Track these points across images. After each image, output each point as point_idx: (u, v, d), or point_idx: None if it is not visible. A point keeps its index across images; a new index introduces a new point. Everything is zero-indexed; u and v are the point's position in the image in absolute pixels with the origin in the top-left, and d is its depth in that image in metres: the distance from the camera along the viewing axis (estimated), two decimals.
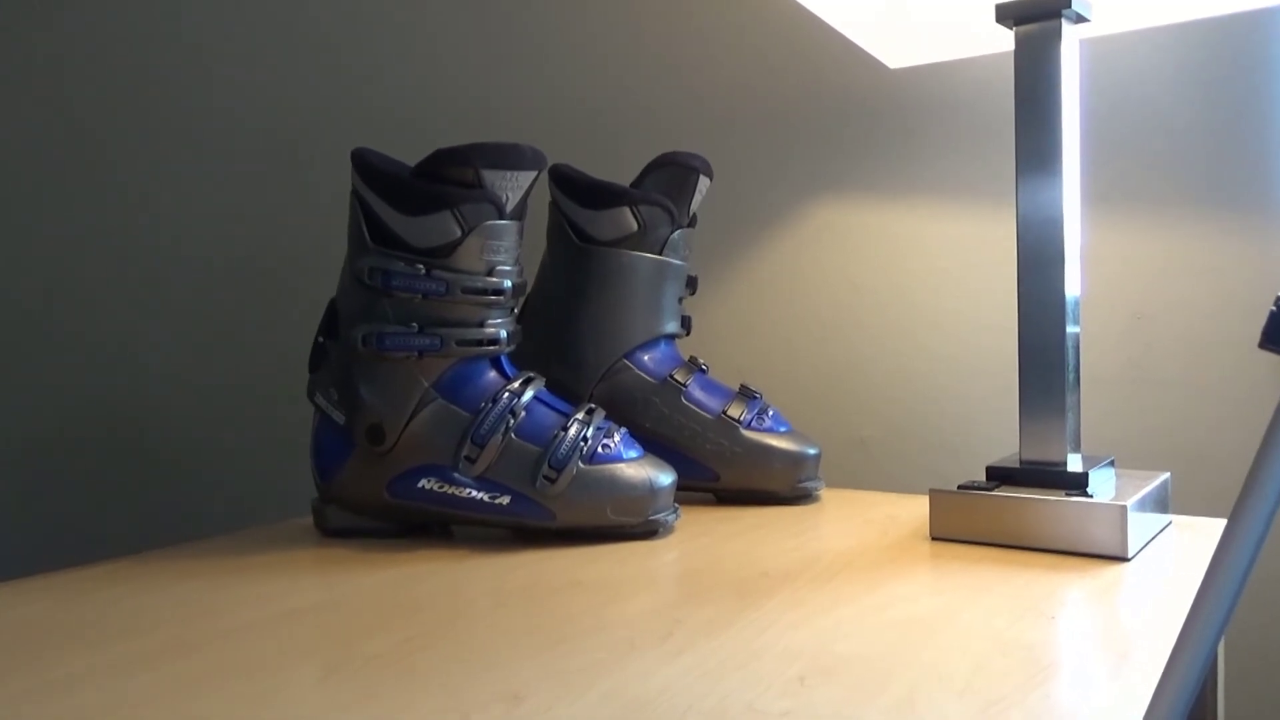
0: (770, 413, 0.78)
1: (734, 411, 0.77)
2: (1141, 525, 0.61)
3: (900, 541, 0.64)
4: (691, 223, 0.81)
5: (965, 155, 0.91)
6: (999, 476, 0.66)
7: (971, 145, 0.91)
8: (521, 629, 0.47)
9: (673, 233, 0.78)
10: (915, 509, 0.74)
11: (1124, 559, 0.58)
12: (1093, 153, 0.84)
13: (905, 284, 0.93)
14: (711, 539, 0.66)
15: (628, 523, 0.64)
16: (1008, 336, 0.90)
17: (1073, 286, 0.66)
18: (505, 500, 0.63)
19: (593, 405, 0.68)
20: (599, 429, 0.66)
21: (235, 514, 1.17)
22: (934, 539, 0.64)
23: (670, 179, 0.78)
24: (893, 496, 0.81)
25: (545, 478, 0.63)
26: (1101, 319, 0.85)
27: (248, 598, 0.53)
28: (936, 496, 0.64)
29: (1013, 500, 0.62)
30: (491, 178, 0.63)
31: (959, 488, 0.64)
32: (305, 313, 1.12)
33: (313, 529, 0.68)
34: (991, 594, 0.52)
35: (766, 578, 0.56)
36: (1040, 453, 0.65)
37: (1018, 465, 0.66)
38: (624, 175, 0.84)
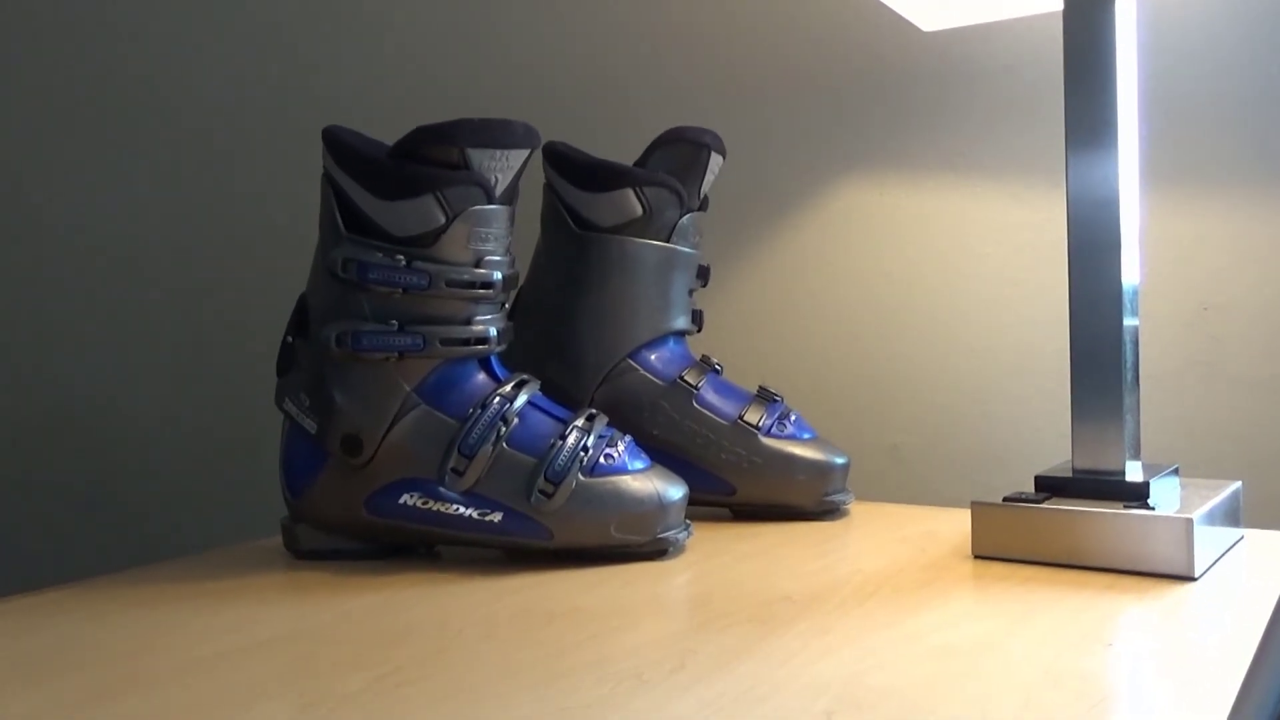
0: (792, 418, 0.78)
1: (752, 417, 0.77)
2: (1209, 540, 0.61)
3: (939, 561, 0.64)
4: (703, 206, 0.81)
5: (1009, 128, 0.91)
6: (1049, 487, 0.65)
7: (1016, 117, 0.90)
8: (515, 662, 0.47)
9: (681, 217, 0.78)
10: (955, 524, 0.74)
11: (1190, 578, 0.58)
12: (1153, 124, 0.84)
13: (943, 273, 0.93)
14: (727, 559, 0.66)
15: (634, 541, 0.64)
16: (1058, 331, 0.89)
17: (1130, 275, 0.66)
18: (497, 517, 0.63)
19: (594, 410, 0.68)
20: (601, 437, 0.66)
21: (195, 534, 1.17)
22: (976, 557, 0.64)
23: (678, 157, 0.78)
24: (930, 510, 0.81)
25: (541, 492, 0.63)
26: (1163, 311, 0.85)
27: (210, 628, 0.53)
28: (979, 510, 0.64)
29: (1064, 514, 0.62)
30: (479, 157, 0.63)
31: (1004, 500, 0.64)
32: (273, 310, 1.13)
33: (282, 551, 0.68)
34: (1041, 619, 0.52)
35: (789, 602, 0.56)
36: (1095, 460, 0.65)
37: (1070, 475, 0.66)
38: (627, 154, 0.84)
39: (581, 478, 0.63)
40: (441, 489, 0.63)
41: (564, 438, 0.64)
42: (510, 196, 0.67)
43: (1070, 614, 0.53)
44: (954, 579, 0.60)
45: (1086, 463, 0.65)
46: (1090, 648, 0.47)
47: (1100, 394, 0.65)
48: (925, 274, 0.94)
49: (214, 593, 0.60)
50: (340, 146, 0.65)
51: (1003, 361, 0.91)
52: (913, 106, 0.94)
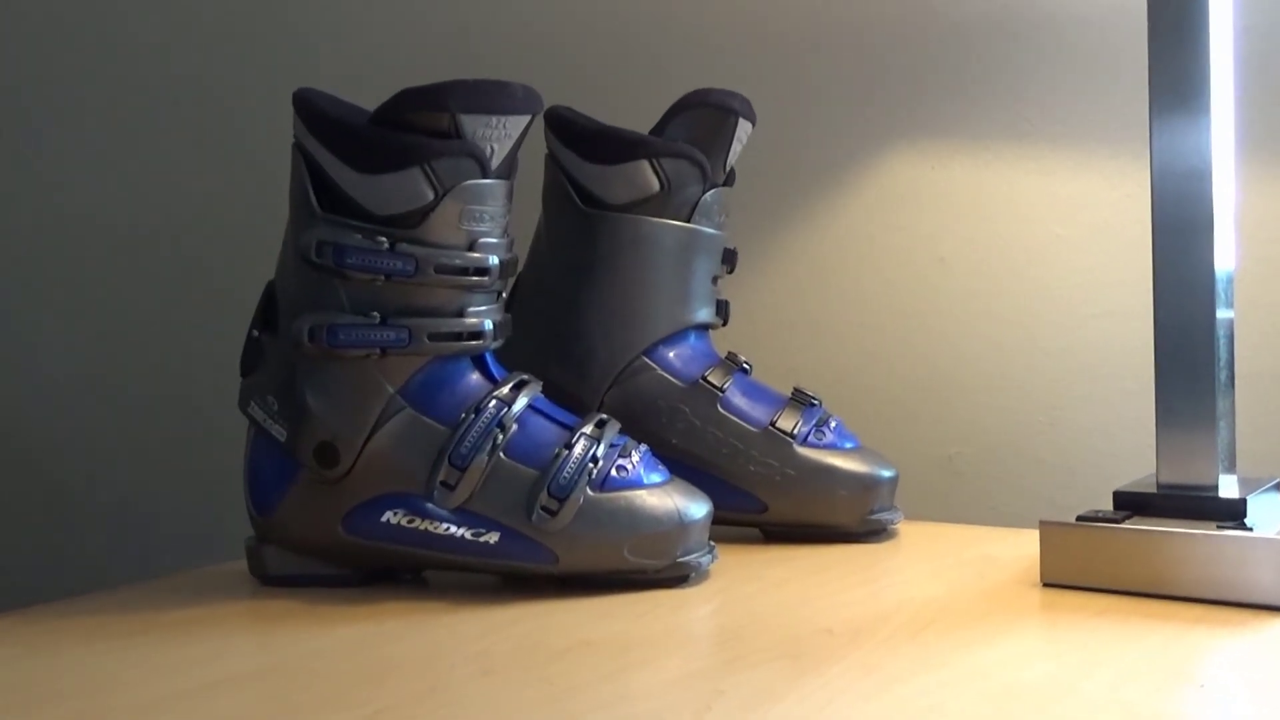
0: (832, 424, 0.78)
1: (786, 423, 0.76)
2: None
3: (1002, 589, 0.64)
4: (729, 180, 0.81)
5: (1083, 90, 0.90)
6: (1130, 505, 0.65)
7: (1091, 77, 0.90)
8: (515, 704, 0.47)
9: (704, 193, 0.78)
10: (1021, 547, 0.73)
11: None
12: (1250, 86, 0.84)
13: (1006, 258, 0.93)
14: (758, 586, 0.66)
15: (650, 566, 0.64)
16: (1141, 325, 0.89)
17: (1224, 259, 0.65)
18: (493, 538, 0.63)
19: (604, 416, 0.68)
20: (612, 446, 0.66)
21: (150, 557, 1.18)
22: (1046, 585, 0.64)
23: (701, 124, 0.78)
24: (991, 531, 0.81)
25: (544, 509, 0.63)
26: (1263, 301, 0.85)
27: (167, 664, 0.53)
28: (1049, 531, 0.64)
29: (1148, 535, 0.61)
30: (472, 125, 0.63)
31: (1078, 519, 0.64)
32: (237, 301, 1.13)
33: (247, 576, 0.68)
34: (1121, 655, 0.52)
35: (830, 636, 0.55)
36: (1183, 474, 0.65)
37: (1154, 490, 0.65)
38: (642, 120, 0.83)
39: (590, 493, 0.63)
40: (430, 505, 0.63)
41: (570, 447, 0.64)
42: (508, 169, 0.66)
43: (1155, 650, 0.53)
44: (1020, 610, 0.60)
45: (1173, 476, 0.65)
46: (1178, 689, 0.47)
47: (1189, 397, 0.65)
48: (985, 259, 0.94)
49: (170, 624, 0.60)
50: (314, 113, 0.65)
51: (1076, 359, 0.91)
52: (974, 68, 0.93)
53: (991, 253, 0.93)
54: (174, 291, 1.22)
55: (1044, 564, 0.64)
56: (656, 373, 0.77)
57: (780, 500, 0.76)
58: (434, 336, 0.64)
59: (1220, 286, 0.65)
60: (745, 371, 0.80)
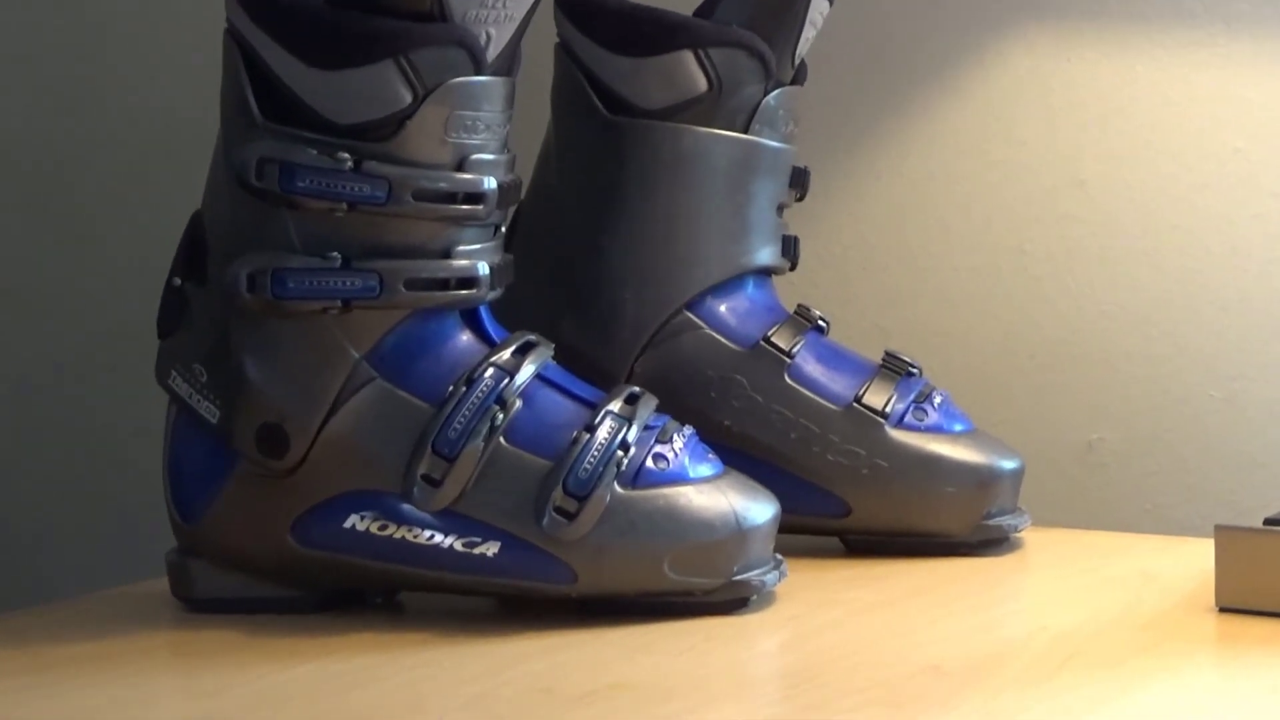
0: (937, 400, 0.78)
1: (875, 399, 0.76)
2: None
3: (1164, 615, 0.64)
4: (798, 77, 0.81)
5: None
6: None
7: None
8: None
9: (767, 95, 0.77)
10: (1188, 560, 0.73)
11: None
12: None
13: (1166, 180, 0.92)
14: (840, 612, 0.66)
15: (699, 586, 0.64)
16: None
17: None
18: (491, 550, 0.63)
19: (635, 389, 0.68)
20: (648, 429, 0.65)
21: (45, 578, 1.18)
22: (1222, 610, 0.64)
23: (762, 2, 0.78)
24: (1148, 540, 0.81)
25: (559, 511, 0.62)
26: None
27: (64, 713, 0.53)
28: (1227, 538, 0.64)
29: None
30: (462, 3, 0.63)
31: (1265, 523, 0.64)
32: (151, 241, 1.12)
33: (169, 600, 0.68)
34: None
35: (938, 675, 0.55)
36: None
37: None
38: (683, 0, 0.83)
39: (619, 490, 0.63)
40: (408, 507, 0.63)
41: (592, 430, 0.64)
42: (508, 64, 0.66)
43: None
44: (1188, 642, 0.60)
45: None
46: None
47: None
48: (1138, 182, 0.93)
49: (69, 662, 0.60)
50: None
51: (1260, 316, 0.91)
52: None
53: (1148, 175, 0.93)
54: (76, 239, 1.22)
55: (1220, 582, 0.64)
56: (704, 332, 0.77)
57: (868, 500, 0.75)
58: (412, 284, 0.64)
59: None
60: (821, 330, 0.80)
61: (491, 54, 0.64)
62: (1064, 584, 0.71)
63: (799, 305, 0.80)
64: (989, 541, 0.77)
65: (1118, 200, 0.94)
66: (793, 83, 0.80)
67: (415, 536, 0.63)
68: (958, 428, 0.77)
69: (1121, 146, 0.93)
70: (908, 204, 0.98)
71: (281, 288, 0.63)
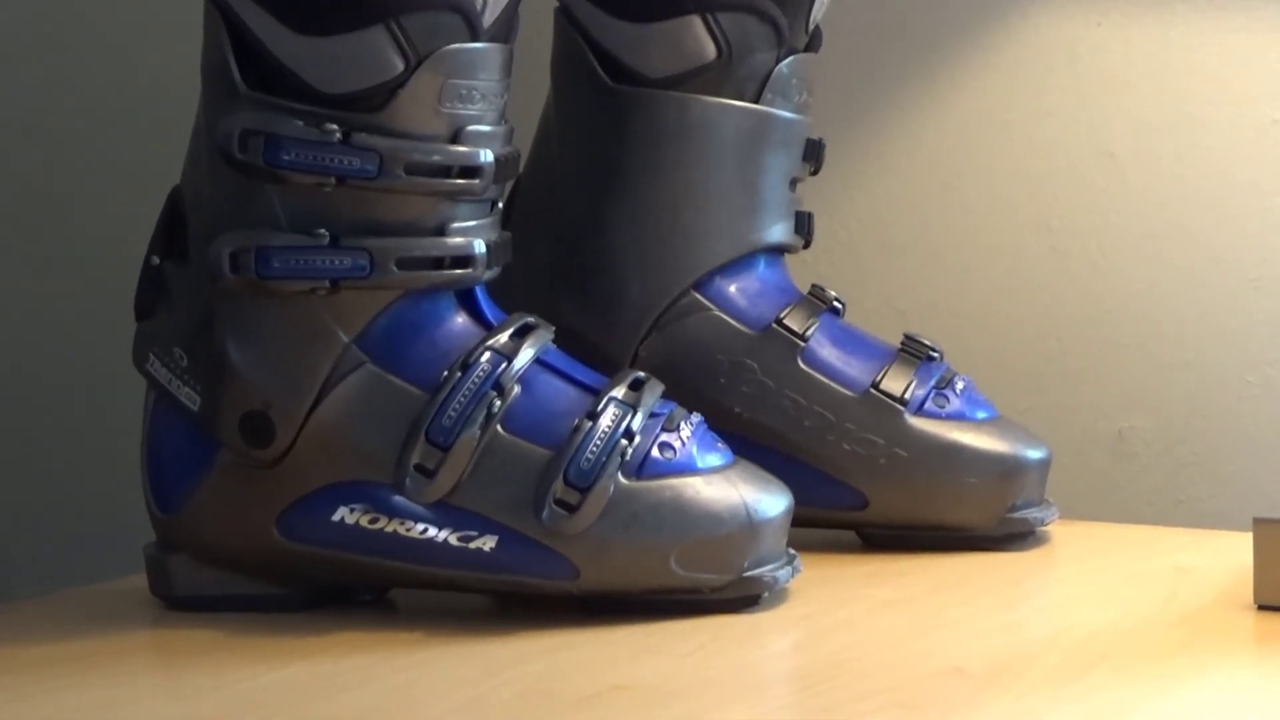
0: (959, 386, 0.78)
1: (894, 384, 0.76)
2: None
3: (1199, 613, 0.64)
4: (812, 44, 0.80)
5: None
6: None
7: None
8: None
9: (779, 62, 0.77)
10: (1224, 555, 0.73)
11: None
12: None
13: (1205, 154, 0.92)
14: (858, 610, 0.66)
15: (707, 583, 0.64)
16: None
17: None
18: (488, 544, 0.63)
19: (640, 374, 0.68)
20: (653, 416, 0.65)
21: (15, 575, 1.18)
22: (1261, 608, 0.64)
23: None
24: (1181, 534, 0.81)
25: (559, 504, 0.62)
26: None
27: (39, 717, 0.53)
28: (1265, 532, 0.64)
29: None
30: None
31: None
32: (127, 218, 1.12)
33: (148, 597, 0.68)
34: None
35: (960, 678, 0.55)
36: None
37: None
38: None
39: (623, 480, 0.63)
40: (399, 499, 0.63)
41: (594, 417, 0.64)
42: (506, 29, 0.66)
43: None
44: (1225, 641, 0.60)
45: None
46: None
47: None
48: (1171, 154, 0.93)
49: (44, 662, 0.60)
50: None
51: None
52: None
53: (1181, 147, 0.93)
54: (47, 217, 1.22)
55: (1258, 578, 0.64)
56: (713, 314, 0.77)
57: (886, 492, 0.75)
58: (404, 263, 0.64)
59: None
60: (836, 312, 0.80)
61: (488, 19, 0.64)
62: (1093, 580, 0.71)
63: (813, 286, 0.80)
64: (1014, 535, 0.76)
65: (1149, 173, 0.94)
66: (807, 49, 0.79)
67: (407, 530, 0.63)
68: (981, 415, 0.77)
69: (1153, 117, 0.93)
70: (927, 179, 0.98)
71: (266, 267, 0.63)
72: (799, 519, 0.69)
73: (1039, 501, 0.77)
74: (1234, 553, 0.71)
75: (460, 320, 0.66)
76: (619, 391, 0.65)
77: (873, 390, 0.76)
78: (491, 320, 0.66)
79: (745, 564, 0.64)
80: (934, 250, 0.98)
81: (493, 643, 0.61)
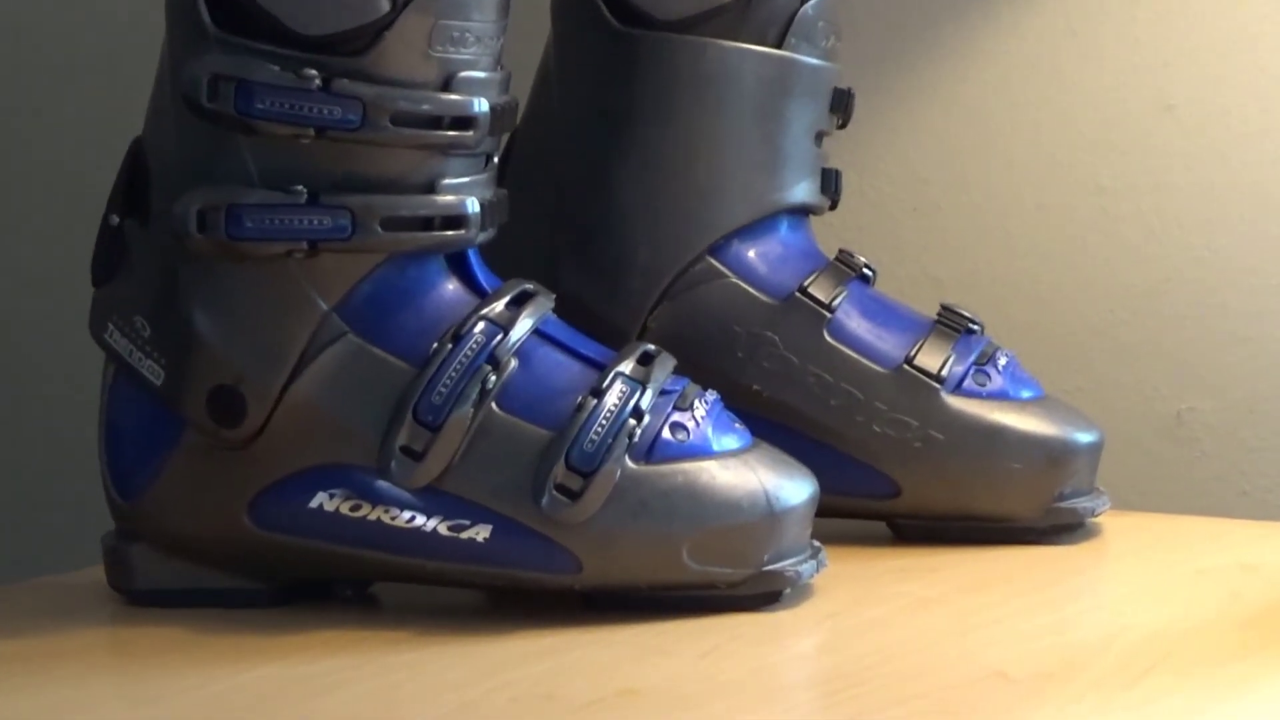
0: (1001, 362, 0.78)
1: (929, 359, 0.76)
2: None
3: (1266, 613, 0.64)
4: None
5: None
6: None
7: None
8: None
9: (804, 3, 0.77)
10: None
11: None
12: None
13: (1276, 109, 0.92)
14: (889, 609, 0.66)
15: (723, 578, 0.64)
16: None
17: None
18: (481, 534, 0.63)
19: (649, 347, 0.68)
20: (664, 394, 0.65)
21: None
22: None
23: None
24: (1246, 526, 0.81)
25: (561, 490, 0.62)
26: None
27: None
28: None
29: None
30: None
31: None
32: (85, 174, 1.12)
33: (107, 592, 0.68)
34: None
35: (1003, 683, 0.55)
36: None
37: None
38: None
39: (631, 465, 0.63)
40: (383, 484, 0.63)
41: (599, 394, 0.64)
42: None
43: None
44: None
45: None
46: None
47: None
48: (1235, 107, 0.93)
49: None
50: None
51: None
52: None
53: (1246, 99, 0.93)
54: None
55: None
56: (729, 281, 0.77)
57: (921, 479, 0.76)
58: (389, 223, 0.63)
59: None
60: (866, 280, 0.80)
61: None
62: (1149, 577, 0.71)
63: (840, 250, 0.80)
64: (1061, 527, 0.77)
65: (1211, 128, 0.94)
66: None
67: (392, 518, 0.63)
68: (1025, 394, 0.77)
69: (1216, 66, 0.93)
70: (967, 133, 0.99)
71: (237, 227, 0.63)
72: (824, 508, 0.69)
73: (1089, 490, 0.77)
74: None
75: (451, 287, 0.66)
76: (626, 366, 0.65)
77: (906, 366, 0.76)
78: (486, 287, 0.66)
79: (765, 557, 0.64)
80: (974, 212, 0.98)
81: (486, 643, 0.61)
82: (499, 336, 0.64)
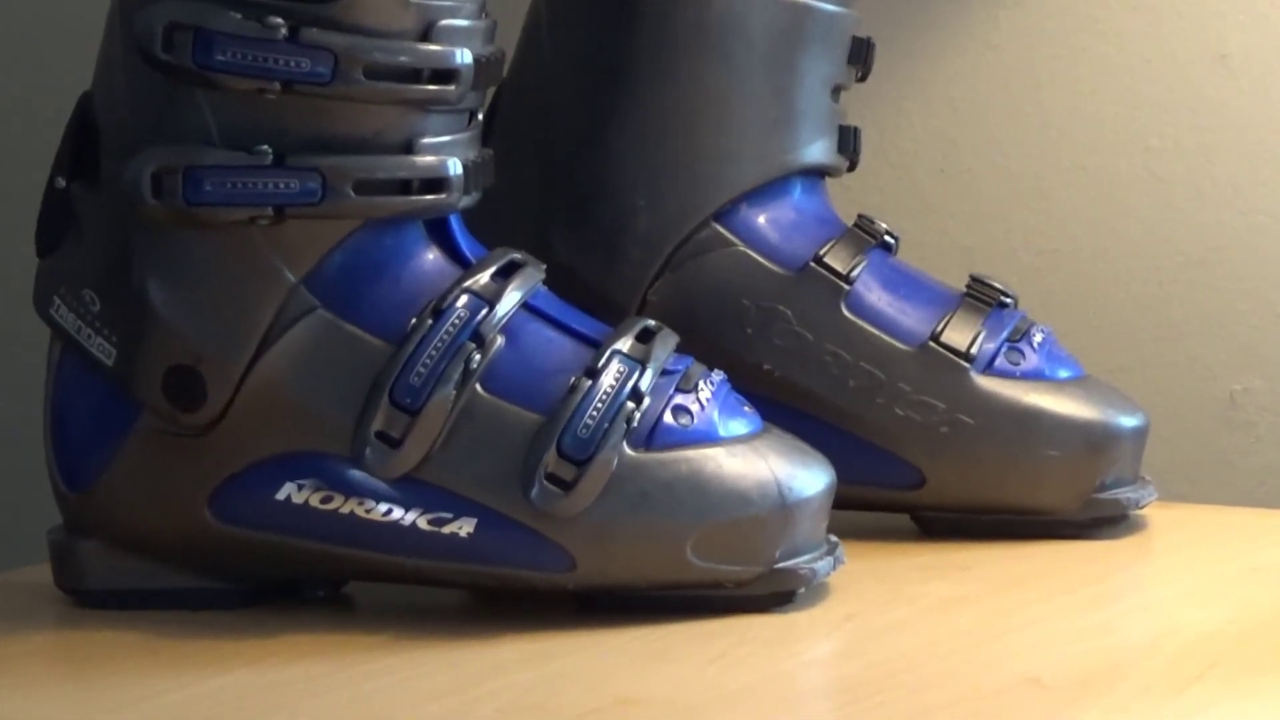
0: (1037, 339, 0.78)
1: (957, 336, 0.76)
2: None
3: None
4: None
5: None
6: None
7: None
8: None
9: None
10: None
11: None
12: None
13: None
14: (913, 610, 0.66)
15: (731, 576, 0.64)
16: None
17: None
18: (465, 528, 0.63)
19: (650, 322, 0.68)
20: (666, 374, 0.65)
21: None
22: None
23: None
24: None
25: (552, 479, 0.62)
26: None
27: None
28: None
29: None
30: None
31: None
32: (26, 133, 1.12)
33: (54, 592, 0.68)
34: None
35: (1038, 690, 0.55)
36: None
37: None
38: None
39: (629, 452, 0.63)
40: (357, 473, 0.63)
41: (594, 375, 0.64)
42: None
43: None
44: None
45: None
46: None
47: None
48: None
49: None
50: None
51: None
52: None
53: None
54: None
55: None
56: (737, 250, 0.77)
57: (948, 468, 0.76)
58: (363, 186, 0.63)
59: None
60: (888, 249, 0.80)
61: None
62: (1198, 575, 0.71)
63: (860, 216, 0.80)
64: (1103, 520, 0.77)
65: (1269, 81, 0.94)
66: None
67: (367, 511, 0.63)
68: (1063, 374, 0.77)
69: (1274, 12, 0.93)
70: (998, 86, 0.99)
71: (196, 191, 0.63)
72: (842, 499, 0.69)
73: (1133, 480, 0.77)
74: None
75: (431, 257, 0.66)
76: (624, 344, 0.65)
77: (931, 344, 0.76)
78: (469, 257, 0.66)
79: (777, 554, 0.64)
80: (1005, 174, 0.98)
81: (471, 648, 0.61)
82: (484, 311, 0.64)
